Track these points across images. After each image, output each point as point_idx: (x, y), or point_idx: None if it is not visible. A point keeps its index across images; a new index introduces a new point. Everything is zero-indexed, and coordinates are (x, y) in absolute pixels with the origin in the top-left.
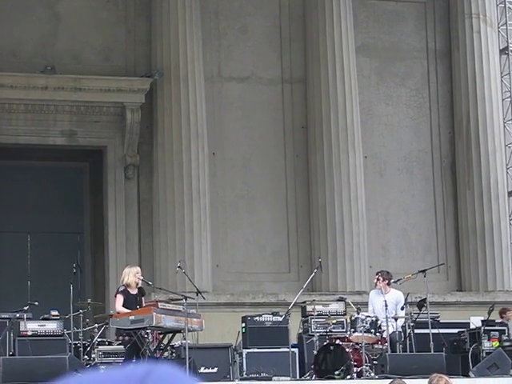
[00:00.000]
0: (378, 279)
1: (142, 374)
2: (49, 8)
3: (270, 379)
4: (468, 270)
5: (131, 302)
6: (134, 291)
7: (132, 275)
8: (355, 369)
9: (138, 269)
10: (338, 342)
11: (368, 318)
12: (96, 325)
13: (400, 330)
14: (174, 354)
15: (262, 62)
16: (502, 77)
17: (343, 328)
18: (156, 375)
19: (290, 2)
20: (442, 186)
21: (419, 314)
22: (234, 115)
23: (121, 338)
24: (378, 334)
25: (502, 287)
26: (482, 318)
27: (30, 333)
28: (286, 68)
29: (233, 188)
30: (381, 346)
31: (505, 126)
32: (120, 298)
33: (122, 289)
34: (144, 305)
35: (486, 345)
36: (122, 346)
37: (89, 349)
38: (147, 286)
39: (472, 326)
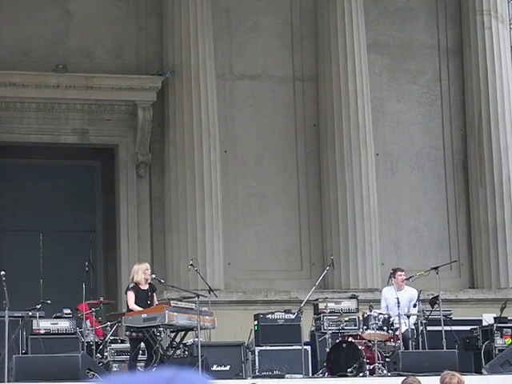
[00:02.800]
0: (400, 275)
1: (167, 378)
2: (60, 6)
3: (283, 377)
4: (480, 267)
5: (142, 298)
6: (144, 287)
7: (141, 273)
8: (368, 366)
9: (147, 265)
10: (350, 339)
11: (380, 316)
12: (108, 323)
13: (412, 327)
14: (186, 352)
15: (274, 59)
16: None
17: (355, 325)
18: (180, 379)
19: None
20: (453, 183)
21: (431, 311)
22: (245, 113)
23: (127, 333)
24: (390, 331)
25: None
26: (495, 315)
27: (42, 331)
28: (298, 66)
29: (244, 186)
30: (393, 344)
31: None
32: (131, 295)
33: (132, 285)
34: (156, 300)
35: (499, 342)
36: (129, 342)
37: (101, 347)
38: (159, 283)
39: (484, 323)
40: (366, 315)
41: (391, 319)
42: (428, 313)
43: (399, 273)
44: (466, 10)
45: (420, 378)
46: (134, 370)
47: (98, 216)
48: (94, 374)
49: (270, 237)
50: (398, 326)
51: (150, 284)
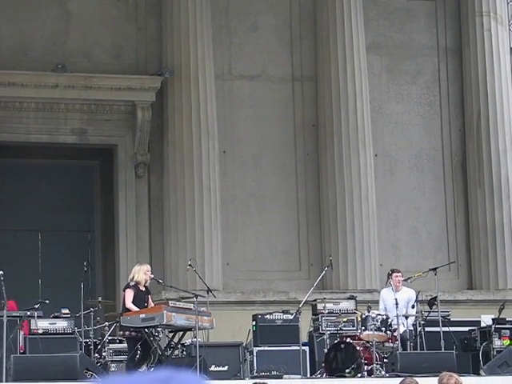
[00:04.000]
0: (396, 277)
1: (163, 379)
2: (59, 6)
3: (281, 377)
4: (479, 268)
5: (140, 298)
6: (142, 288)
7: (142, 273)
8: (366, 367)
9: (148, 266)
10: (348, 340)
11: (379, 316)
12: (107, 323)
13: (411, 328)
14: (184, 353)
15: (273, 60)
16: None
17: (354, 326)
18: (177, 380)
19: None
20: (452, 184)
21: (430, 312)
22: (244, 113)
23: (127, 333)
24: (388, 332)
25: None
26: (493, 316)
27: (40, 331)
28: (297, 66)
29: (243, 186)
30: (391, 344)
31: None
32: (130, 293)
33: (132, 284)
34: (151, 303)
35: (497, 343)
36: (126, 342)
37: (99, 347)
38: (158, 284)
39: (483, 324)
40: (364, 316)
41: (389, 320)
42: (426, 314)
43: (395, 274)
44: (465, 11)
45: (418, 379)
46: (132, 371)
47: (96, 216)
48: (91, 374)
49: (269, 237)
50: (396, 326)
51: (145, 287)
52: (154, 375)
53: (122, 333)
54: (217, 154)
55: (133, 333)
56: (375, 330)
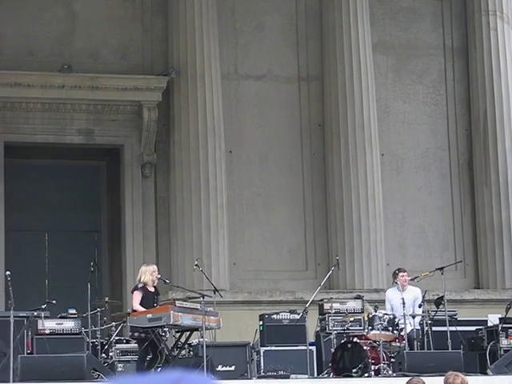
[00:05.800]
0: (403, 276)
1: (173, 380)
2: (65, 6)
3: (288, 377)
4: (486, 267)
5: (149, 299)
6: (151, 289)
7: (149, 274)
8: (373, 367)
9: (155, 267)
10: (355, 339)
11: (385, 316)
12: (113, 323)
13: (418, 327)
14: (191, 353)
15: (279, 59)
16: None
17: (361, 326)
18: (187, 381)
19: None
20: (459, 184)
21: (437, 311)
22: (250, 113)
23: (136, 334)
24: (395, 331)
25: None
26: (500, 316)
27: (47, 331)
28: (303, 66)
29: (250, 186)
30: (398, 344)
31: None
32: (138, 295)
33: (140, 286)
34: (159, 304)
35: (504, 342)
36: (137, 344)
37: (106, 347)
38: (164, 284)
39: (490, 324)
40: (371, 315)
41: (396, 319)
42: (433, 313)
43: (401, 273)
44: (471, 10)
45: (425, 379)
46: (141, 371)
47: (103, 216)
48: (99, 375)
49: (275, 237)
50: (403, 326)
51: (154, 287)
52: (164, 376)
53: (131, 334)
54: (223, 153)
55: (142, 334)
56: (382, 329)
